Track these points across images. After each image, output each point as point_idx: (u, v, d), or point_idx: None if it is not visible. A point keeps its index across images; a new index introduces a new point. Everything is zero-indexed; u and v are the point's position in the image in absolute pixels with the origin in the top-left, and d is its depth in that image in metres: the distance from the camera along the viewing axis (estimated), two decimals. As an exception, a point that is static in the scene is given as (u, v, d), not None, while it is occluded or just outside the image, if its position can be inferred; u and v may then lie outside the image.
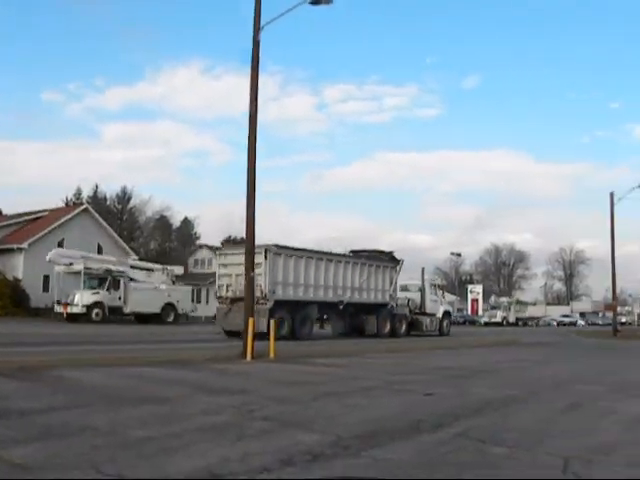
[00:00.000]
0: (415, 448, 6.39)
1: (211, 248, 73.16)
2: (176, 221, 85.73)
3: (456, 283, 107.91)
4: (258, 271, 24.10)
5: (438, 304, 40.06)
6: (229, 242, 28.32)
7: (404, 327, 35.83)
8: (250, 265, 18.51)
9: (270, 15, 18.41)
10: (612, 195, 46.62)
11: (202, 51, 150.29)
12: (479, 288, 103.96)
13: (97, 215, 59.47)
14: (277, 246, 28.54)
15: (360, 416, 8.25)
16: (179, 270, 51.73)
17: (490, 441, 6.79)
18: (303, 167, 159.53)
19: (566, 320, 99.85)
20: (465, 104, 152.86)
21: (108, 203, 79.14)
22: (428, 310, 38.83)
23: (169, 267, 50.76)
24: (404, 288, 37.64)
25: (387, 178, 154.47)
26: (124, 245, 60.93)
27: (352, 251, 36.44)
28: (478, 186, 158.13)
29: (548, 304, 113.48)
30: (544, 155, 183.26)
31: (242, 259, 21.90)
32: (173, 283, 49.67)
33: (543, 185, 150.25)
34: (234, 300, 27.44)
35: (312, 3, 17.80)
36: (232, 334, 26.39)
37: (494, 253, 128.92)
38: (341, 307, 31.28)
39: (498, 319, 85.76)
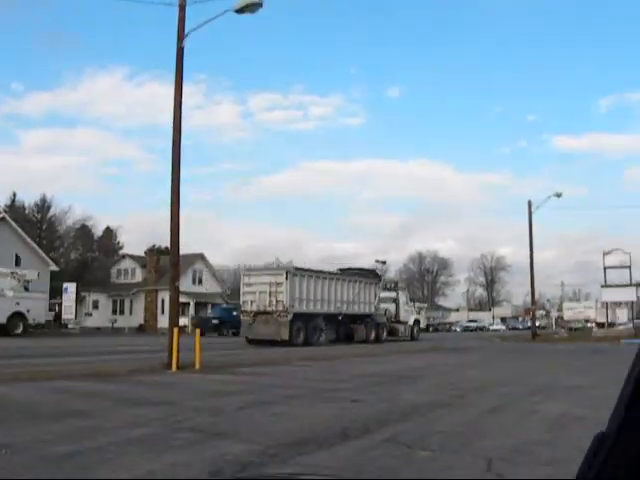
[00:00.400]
0: (342, 455, 6.43)
1: (134, 258, 71.95)
2: (98, 231, 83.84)
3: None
4: (280, 289, 31.78)
5: (409, 313, 45.71)
6: (251, 268, 36.01)
7: (385, 334, 40.24)
8: (175, 276, 18.26)
9: (195, 22, 18.32)
10: (530, 203, 48.02)
11: (125, 58, 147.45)
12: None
13: (15, 224, 57.54)
14: (295, 268, 33.59)
15: (287, 424, 8.24)
16: (32, 275, 44.31)
17: (416, 445, 6.88)
18: (229, 175, 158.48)
19: (472, 325, 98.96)
20: (388, 114, 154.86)
21: (27, 212, 76.64)
22: (402, 319, 43.89)
23: (20, 271, 44.21)
24: (382, 300, 41.43)
25: (312, 186, 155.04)
26: (43, 255, 59.12)
27: (340, 269, 41.18)
28: (403, 194, 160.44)
29: (470, 310, 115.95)
30: (465, 165, 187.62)
31: (264, 279, 32.05)
32: (26, 290, 42.92)
33: (466, 194, 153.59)
34: (257, 313, 32.56)
35: (237, 11, 17.74)
36: (255, 342, 32.16)
37: (418, 260, 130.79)
38: (340, 318, 36.01)
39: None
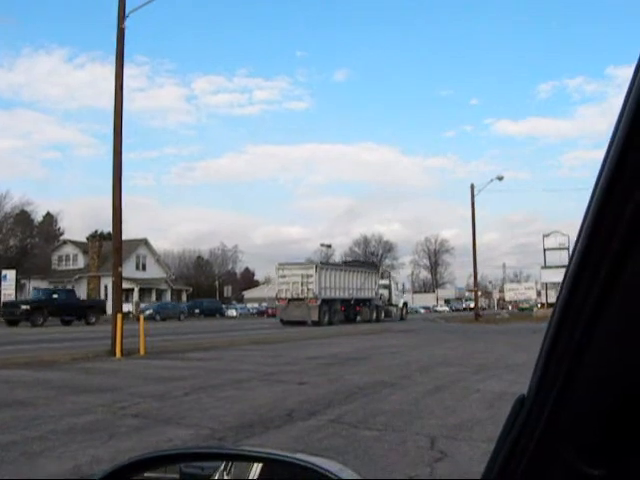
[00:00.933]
0: (289, 436, 6.48)
1: (76, 244, 70.59)
2: (38, 216, 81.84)
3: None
4: (310, 280, 40.58)
5: (399, 297, 53.52)
6: (283, 263, 45.64)
7: (382, 315, 48.13)
8: (118, 262, 18.01)
9: (137, 3, 18.01)
10: (472, 187, 48.78)
11: (65, 39, 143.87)
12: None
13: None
14: (322, 263, 45.89)
15: (234, 408, 8.26)
16: None
17: (362, 425, 6.98)
18: (174, 160, 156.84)
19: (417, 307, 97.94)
20: (334, 97, 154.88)
21: (-39, 198, 74.35)
22: (394, 302, 51.60)
23: None
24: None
25: (258, 171, 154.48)
26: (-20, 242, 57.62)
27: (344, 262, 53.79)
28: (349, 178, 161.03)
29: (415, 292, 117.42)
30: (411, 148, 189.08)
31: (296, 272, 41.42)
32: None
33: (410, 177, 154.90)
34: (290, 300, 41.03)
35: (178, -8, 17.52)
36: (288, 323, 39.99)
37: (363, 244, 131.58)
38: (352, 302, 44.42)
39: None
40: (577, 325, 0.69)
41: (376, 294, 47.50)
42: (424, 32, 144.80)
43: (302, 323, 39.10)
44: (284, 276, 42.01)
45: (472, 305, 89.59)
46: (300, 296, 40.47)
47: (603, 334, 0.67)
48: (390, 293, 51.17)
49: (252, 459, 1.30)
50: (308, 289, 40.55)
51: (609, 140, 0.63)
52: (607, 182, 0.62)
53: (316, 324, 38.89)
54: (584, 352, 0.70)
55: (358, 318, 45.10)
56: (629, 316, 0.65)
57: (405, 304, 55.00)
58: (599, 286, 0.65)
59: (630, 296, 0.63)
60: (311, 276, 40.82)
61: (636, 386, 0.67)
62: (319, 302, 40.13)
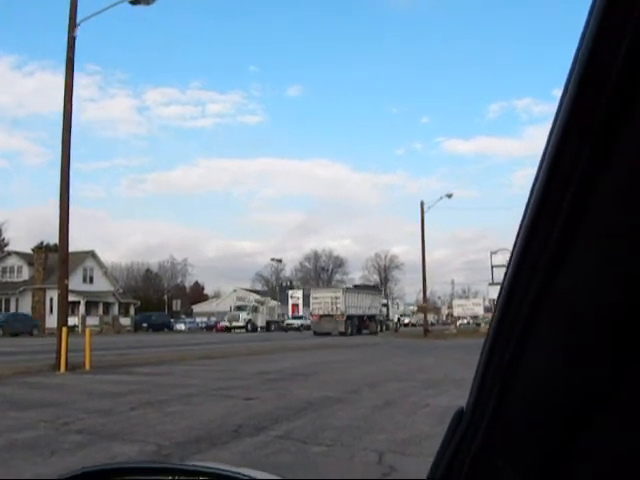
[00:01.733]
0: (237, 452, 6.41)
1: (21, 255, 69.01)
2: (-19, 226, 79.95)
3: (277, 289, 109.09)
4: (338, 300, 51.62)
5: (394, 313, 72.64)
6: (317, 286, 71.49)
7: (383, 327, 61.00)
8: (64, 274, 17.67)
9: (89, 11, 17.82)
10: (422, 204, 49.32)
11: (13, 47, 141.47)
12: (299, 293, 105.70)
13: None
14: (347, 287, 60.64)
15: (180, 424, 8.14)
16: None
17: (310, 441, 6.95)
18: (124, 171, 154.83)
19: (296, 323, 77.34)
20: (287, 113, 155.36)
21: None
22: (390, 317, 67.99)
23: None
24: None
25: (210, 184, 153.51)
26: None
27: (355, 285, 69.43)
28: (301, 193, 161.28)
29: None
30: (362, 165, 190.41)
31: (327, 294, 53.16)
32: None
33: (361, 194, 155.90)
34: (322, 316, 51.95)
35: (132, 2, 17.38)
36: (320, 334, 48.98)
37: (314, 259, 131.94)
38: (364, 318, 55.00)
39: (240, 323, 70.02)
40: (510, 341, 0.70)
41: (380, 311, 60.11)
42: (376, 50, 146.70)
43: (328, 334, 48.21)
44: (317, 297, 54.09)
45: (408, 321, 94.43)
46: (330, 313, 51.51)
47: (535, 351, 0.68)
48: (388, 310, 67.61)
49: (198, 474, 1.28)
50: (337, 307, 51.62)
51: (543, 148, 0.64)
52: (538, 195, 0.63)
53: (342, 334, 48.45)
54: (516, 368, 0.70)
55: (365, 330, 54.43)
56: (560, 332, 0.65)
57: (398, 319, 73.50)
58: (530, 302, 0.66)
59: (560, 313, 0.64)
60: (339, 297, 52.25)
61: (568, 403, 0.68)
62: (345, 317, 51.27)
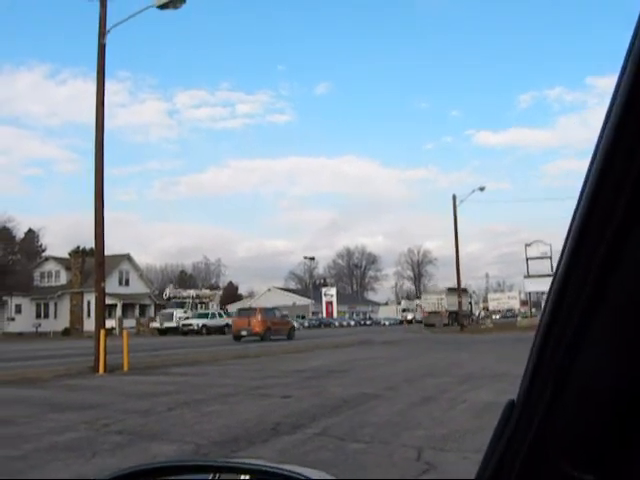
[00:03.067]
0: (275, 449, 6.42)
1: (58, 260, 70.01)
2: (20, 233, 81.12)
3: (310, 287, 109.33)
4: (442, 301, 66.51)
5: (476, 310, 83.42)
6: (427, 291, 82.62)
7: (468, 321, 68.36)
8: (101, 277, 17.87)
9: (118, 19, 18.01)
10: (454, 198, 49.01)
11: (46, 55, 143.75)
12: (333, 291, 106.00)
13: None
14: (448, 289, 67.39)
15: (218, 423, 8.18)
16: None
17: (348, 438, 6.93)
18: (157, 174, 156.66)
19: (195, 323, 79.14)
20: (316, 111, 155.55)
21: (-58, 216, 73.53)
22: (473, 312, 79.16)
23: None
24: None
25: (241, 184, 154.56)
26: (-39, 260, 56.99)
27: (449, 288, 68.48)
28: (331, 191, 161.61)
29: (399, 303, 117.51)
30: (391, 161, 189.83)
31: (434, 296, 69.92)
32: None
33: (391, 189, 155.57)
34: (430, 312, 66.29)
35: (160, 7, 17.49)
36: (428, 326, 61.75)
37: (346, 256, 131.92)
38: (454, 313, 61.59)
39: (173, 324, 58.78)
40: (566, 330, 0.68)
41: (466, 308, 66.45)
42: (403, 44, 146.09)
43: (433, 325, 61.37)
44: (427, 298, 70.87)
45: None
46: (436, 310, 66.14)
47: (594, 340, 0.67)
48: (472, 307, 79.21)
49: (240, 471, 1.27)
50: (442, 306, 66.20)
51: (594, 147, 0.62)
52: (593, 189, 0.61)
53: (446, 326, 60.85)
54: (574, 358, 0.69)
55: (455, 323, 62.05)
56: (620, 322, 0.64)
57: (478, 314, 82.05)
58: (589, 291, 0.64)
59: (620, 302, 0.62)
60: (443, 298, 66.87)
61: (626, 392, 0.66)
62: (447, 314, 64.98)
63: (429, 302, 68.95)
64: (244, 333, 37.83)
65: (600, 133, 0.62)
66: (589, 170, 0.63)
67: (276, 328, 38.89)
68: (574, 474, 0.74)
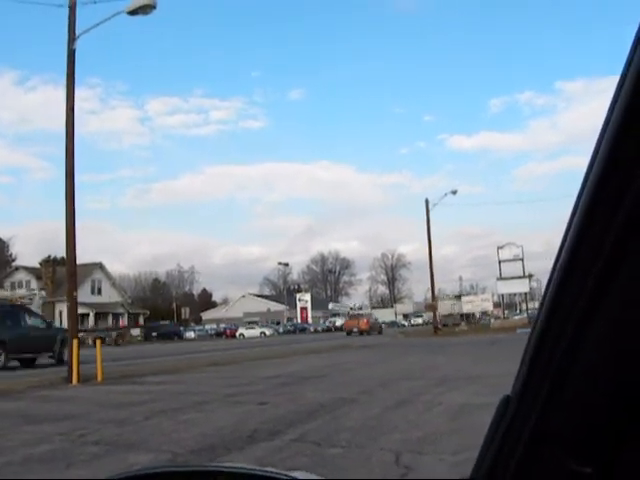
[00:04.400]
0: (252, 456, 6.42)
1: (29, 269, 69.16)
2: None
3: (285, 292, 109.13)
4: (455, 305, 73.19)
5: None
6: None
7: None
8: (73, 287, 17.69)
9: (88, 24, 17.88)
10: (427, 202, 49.23)
11: (16, 62, 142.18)
12: (307, 296, 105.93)
13: None
14: (456, 296, 76.71)
15: (195, 431, 8.15)
16: None
17: (325, 443, 6.95)
18: (130, 182, 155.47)
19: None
20: (290, 117, 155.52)
21: None
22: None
23: None
24: None
25: (215, 191, 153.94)
26: None
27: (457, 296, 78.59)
28: (306, 196, 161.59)
29: (373, 308, 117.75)
30: (366, 166, 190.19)
31: (448, 302, 76.16)
32: None
33: (367, 194, 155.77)
34: (444, 315, 67.42)
35: (130, 13, 17.38)
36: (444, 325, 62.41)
37: (320, 261, 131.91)
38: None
39: None
40: (567, 324, 0.69)
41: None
42: (376, 50, 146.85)
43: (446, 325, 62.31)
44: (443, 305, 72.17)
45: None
46: (451, 313, 69.92)
47: (596, 332, 0.68)
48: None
49: (229, 475, 1.25)
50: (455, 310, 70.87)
51: (591, 156, 0.63)
52: (591, 197, 0.62)
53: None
54: (576, 351, 0.70)
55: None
56: (625, 312, 0.65)
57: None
58: (591, 284, 0.65)
59: (626, 293, 0.63)
60: (454, 304, 71.98)
61: (627, 384, 0.68)
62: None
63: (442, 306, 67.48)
64: (355, 330, 57.19)
65: (597, 141, 0.62)
66: (585, 178, 0.64)
67: (373, 327, 59.82)
68: (572, 467, 0.76)
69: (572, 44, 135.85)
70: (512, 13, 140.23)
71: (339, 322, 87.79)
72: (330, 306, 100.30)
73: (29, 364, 23.28)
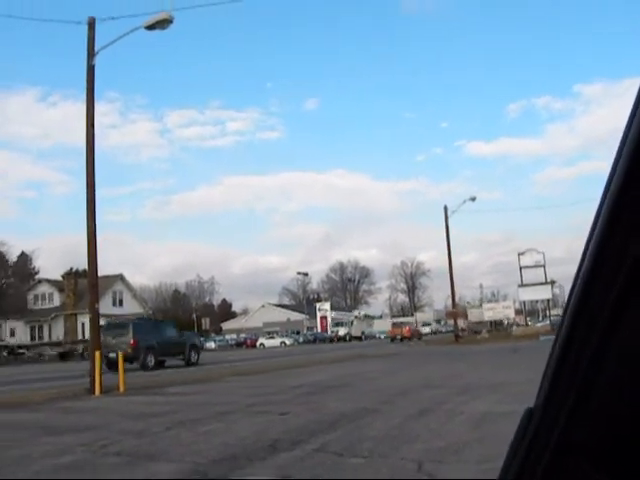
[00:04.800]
0: (274, 466, 6.39)
1: (51, 282, 69.72)
2: (12, 256, 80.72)
3: (304, 302, 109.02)
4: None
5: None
6: None
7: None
8: (95, 298, 17.81)
9: (106, 40, 18.10)
10: (446, 208, 49.09)
11: (36, 78, 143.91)
12: (327, 305, 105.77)
13: None
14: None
15: (216, 441, 8.14)
16: None
17: (347, 453, 6.91)
18: (149, 194, 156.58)
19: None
20: (306, 126, 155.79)
21: None
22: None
23: None
24: None
25: (233, 201, 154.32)
26: (-47, 285, 56.66)
27: None
28: (323, 205, 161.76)
29: (394, 316, 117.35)
30: (382, 173, 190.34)
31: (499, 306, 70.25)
32: None
33: (384, 202, 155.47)
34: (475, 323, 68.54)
35: (148, 28, 17.56)
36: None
37: (340, 270, 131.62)
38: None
39: None
40: (592, 333, 0.68)
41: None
42: (390, 57, 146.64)
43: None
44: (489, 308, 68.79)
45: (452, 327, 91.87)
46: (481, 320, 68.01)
47: (622, 341, 0.66)
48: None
49: None
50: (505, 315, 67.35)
51: (612, 163, 0.62)
52: (615, 199, 0.61)
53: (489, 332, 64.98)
54: (601, 361, 0.69)
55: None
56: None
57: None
58: (615, 293, 0.63)
59: None
60: (509, 307, 69.23)
61: None
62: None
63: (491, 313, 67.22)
64: (398, 337, 65.06)
65: (620, 144, 0.61)
66: (608, 182, 0.62)
67: (414, 334, 67.42)
68: (596, 477, 0.74)
69: (590, 46, 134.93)
70: (528, 16, 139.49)
71: (342, 331, 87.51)
72: (332, 315, 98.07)
73: (160, 365, 29.38)
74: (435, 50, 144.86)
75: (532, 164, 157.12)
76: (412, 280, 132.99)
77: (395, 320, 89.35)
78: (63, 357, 51.12)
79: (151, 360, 28.45)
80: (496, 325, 70.86)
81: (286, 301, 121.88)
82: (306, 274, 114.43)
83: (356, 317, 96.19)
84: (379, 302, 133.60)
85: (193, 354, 31.62)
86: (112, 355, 24.64)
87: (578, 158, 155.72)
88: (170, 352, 30.36)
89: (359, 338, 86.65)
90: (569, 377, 0.73)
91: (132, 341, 28.00)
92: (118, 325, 30.41)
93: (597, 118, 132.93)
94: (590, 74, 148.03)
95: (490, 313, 67.98)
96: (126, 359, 23.53)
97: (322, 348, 54.79)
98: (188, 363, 30.71)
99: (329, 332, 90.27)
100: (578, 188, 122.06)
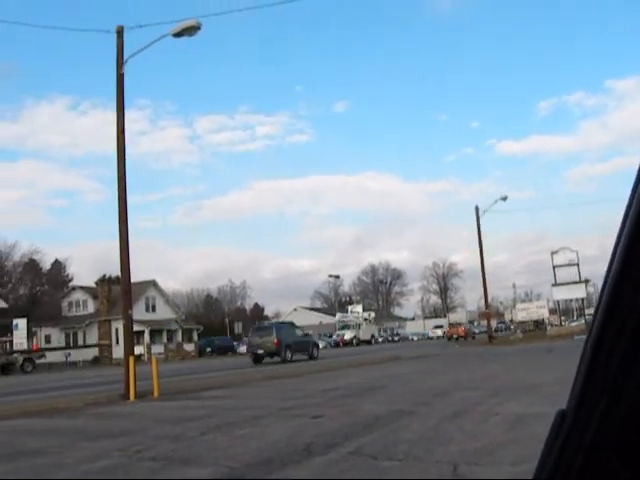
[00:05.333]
0: (308, 470, 6.39)
1: (85, 289, 70.59)
2: (46, 264, 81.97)
3: (336, 305, 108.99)
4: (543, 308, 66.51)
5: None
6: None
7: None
8: (128, 305, 17.96)
9: (135, 48, 18.29)
10: (477, 209, 48.78)
11: (67, 87, 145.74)
12: (359, 308, 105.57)
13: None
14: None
15: (251, 445, 8.16)
16: None
17: (382, 456, 6.88)
18: (180, 200, 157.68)
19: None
20: (335, 129, 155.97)
21: (-29, 250, 74.51)
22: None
23: None
24: None
25: (263, 206, 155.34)
26: (-10, 293, 57.65)
27: None
28: (354, 208, 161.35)
29: (426, 318, 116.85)
30: (412, 175, 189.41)
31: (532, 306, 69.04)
32: None
33: (414, 203, 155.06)
34: (520, 322, 68.05)
35: (175, 35, 17.72)
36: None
37: (371, 272, 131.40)
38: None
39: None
40: (622, 336, 0.67)
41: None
42: (419, 58, 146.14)
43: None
44: (522, 309, 68.33)
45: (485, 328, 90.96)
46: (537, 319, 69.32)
47: None
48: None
49: None
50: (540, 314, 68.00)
51: None
52: None
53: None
54: (632, 365, 0.68)
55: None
56: None
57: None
58: (637, 315, 0.62)
59: None
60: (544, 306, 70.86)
61: None
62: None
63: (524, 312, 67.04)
64: (455, 336, 71.99)
65: None
66: (638, 179, 0.61)
67: (468, 333, 74.62)
68: (627, 476, 0.73)
69: (622, 41, 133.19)
70: (558, 13, 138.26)
71: (348, 335, 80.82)
72: (337, 317, 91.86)
73: (285, 359, 35.35)
74: (465, 50, 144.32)
75: (564, 161, 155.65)
76: (444, 281, 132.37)
77: (452, 322, 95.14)
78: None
79: (289, 355, 35.62)
80: (538, 325, 71.45)
81: (318, 304, 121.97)
82: (337, 277, 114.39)
83: (365, 319, 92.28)
84: (411, 304, 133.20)
85: (315, 351, 39.08)
86: (260, 352, 35.61)
87: (612, 154, 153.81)
88: (300, 349, 37.40)
89: (368, 342, 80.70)
90: (601, 380, 0.72)
91: (276, 340, 35.21)
92: (263, 328, 39.31)
93: (630, 113, 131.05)
94: (622, 69, 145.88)
95: (523, 313, 67.21)
96: (269, 354, 35.38)
97: (359, 350, 54.64)
98: (311, 357, 37.56)
99: (335, 336, 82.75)
100: (612, 184, 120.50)
